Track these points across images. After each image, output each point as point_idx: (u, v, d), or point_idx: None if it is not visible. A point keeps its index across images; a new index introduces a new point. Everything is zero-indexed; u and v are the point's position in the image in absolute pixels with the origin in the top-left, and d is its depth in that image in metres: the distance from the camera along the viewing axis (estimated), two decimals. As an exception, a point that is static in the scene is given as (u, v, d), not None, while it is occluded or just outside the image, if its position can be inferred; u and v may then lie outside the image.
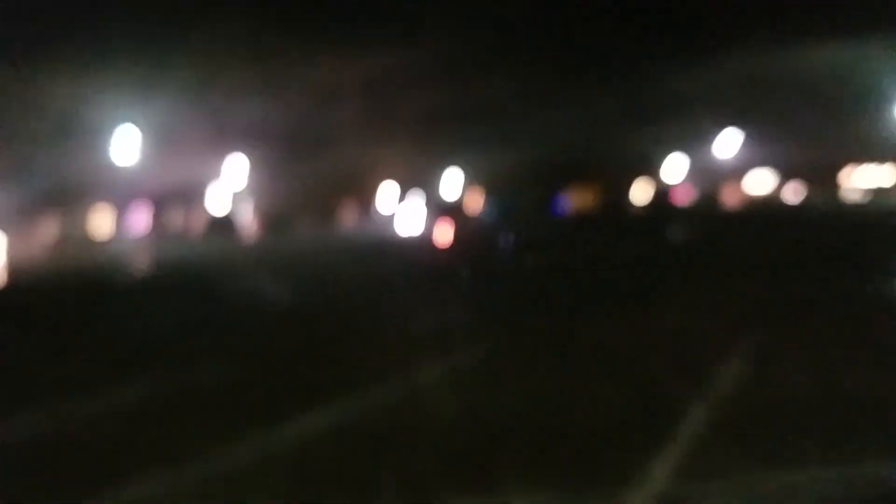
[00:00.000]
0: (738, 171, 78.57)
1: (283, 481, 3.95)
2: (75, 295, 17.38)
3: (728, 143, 77.25)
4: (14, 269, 28.88)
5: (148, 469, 4.12)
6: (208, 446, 4.43)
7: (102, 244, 41.45)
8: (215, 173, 71.65)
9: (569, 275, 14.98)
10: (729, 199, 73.97)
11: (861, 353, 6.35)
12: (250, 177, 76.09)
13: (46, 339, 9.32)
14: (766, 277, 12.15)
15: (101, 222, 58.25)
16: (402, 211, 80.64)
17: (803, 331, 7.41)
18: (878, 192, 60.08)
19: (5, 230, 42.73)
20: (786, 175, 74.43)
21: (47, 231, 54.54)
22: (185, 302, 14.21)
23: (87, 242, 44.72)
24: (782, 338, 7.14)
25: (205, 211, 68.03)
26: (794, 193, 70.59)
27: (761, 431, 4.46)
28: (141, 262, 29.33)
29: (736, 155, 77.98)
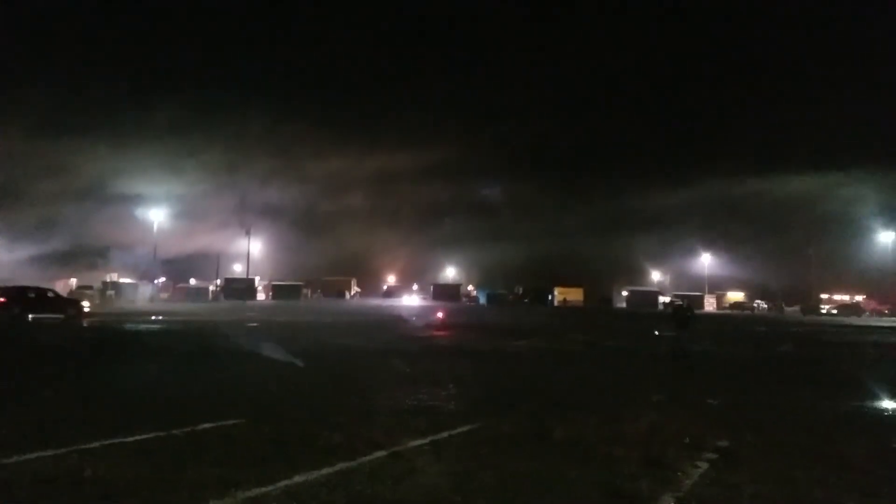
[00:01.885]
0: (713, 285, 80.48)
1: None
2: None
3: (705, 260, 79.64)
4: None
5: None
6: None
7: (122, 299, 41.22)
8: (233, 245, 72.64)
9: (556, 359, 15.01)
10: (707, 305, 75.09)
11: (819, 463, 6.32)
12: (264, 251, 77.09)
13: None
14: (740, 378, 12.16)
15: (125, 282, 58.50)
16: (402, 290, 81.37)
17: (771, 436, 7.38)
18: (843, 308, 61.24)
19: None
20: (757, 294, 76.26)
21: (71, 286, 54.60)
22: (195, 357, 14.17)
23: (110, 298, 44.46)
24: (748, 440, 7.11)
25: (223, 276, 68.34)
26: (766, 306, 71.42)
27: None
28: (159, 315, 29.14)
29: (711, 271, 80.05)
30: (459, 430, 7.19)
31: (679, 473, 5.74)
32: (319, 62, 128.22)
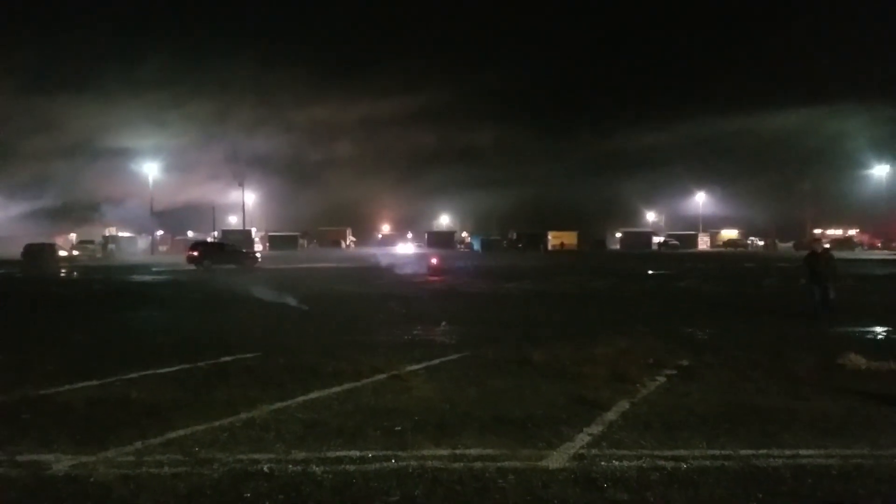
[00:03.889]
0: (708, 224, 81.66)
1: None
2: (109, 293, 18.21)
3: (699, 199, 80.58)
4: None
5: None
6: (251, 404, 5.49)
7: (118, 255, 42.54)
8: (224, 196, 72.97)
9: (542, 299, 16.02)
10: (700, 244, 76.46)
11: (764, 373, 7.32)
12: (257, 202, 77.32)
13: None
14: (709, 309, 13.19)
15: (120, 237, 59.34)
16: (396, 238, 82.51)
17: (725, 355, 8.37)
18: (836, 243, 62.70)
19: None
20: (751, 232, 77.48)
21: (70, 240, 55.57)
22: (219, 303, 15.14)
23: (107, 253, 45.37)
24: (707, 360, 8.09)
25: (219, 228, 69.35)
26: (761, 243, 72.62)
27: (667, 422, 5.42)
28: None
29: (705, 210, 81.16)
30: (450, 357, 8.19)
31: (638, 385, 6.74)
32: (306, 6, 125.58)
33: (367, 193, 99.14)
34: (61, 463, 4.42)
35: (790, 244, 73.45)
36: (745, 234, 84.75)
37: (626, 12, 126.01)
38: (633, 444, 4.85)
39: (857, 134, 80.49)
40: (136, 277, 27.24)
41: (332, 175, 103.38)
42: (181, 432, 5.01)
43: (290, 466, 4.28)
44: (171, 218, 77.16)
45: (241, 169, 75.34)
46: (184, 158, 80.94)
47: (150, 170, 63.96)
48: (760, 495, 3.90)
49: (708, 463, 4.48)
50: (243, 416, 5.45)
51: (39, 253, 40.78)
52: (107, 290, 20.64)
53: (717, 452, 4.69)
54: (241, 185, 71.23)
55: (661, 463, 4.46)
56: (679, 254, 62.59)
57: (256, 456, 4.47)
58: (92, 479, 4.11)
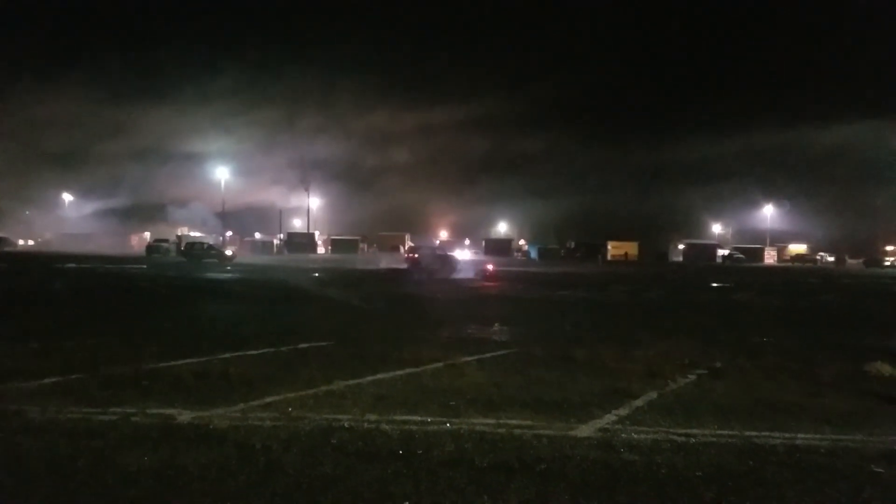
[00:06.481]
0: (775, 238, 79.24)
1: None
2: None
3: (767, 212, 78.03)
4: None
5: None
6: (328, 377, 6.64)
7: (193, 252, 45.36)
8: (285, 199, 75.83)
9: (595, 306, 16.71)
10: (767, 258, 74.31)
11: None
12: (321, 205, 79.97)
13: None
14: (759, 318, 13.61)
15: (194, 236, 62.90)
16: (454, 244, 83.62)
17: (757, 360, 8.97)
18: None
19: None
20: (820, 247, 74.72)
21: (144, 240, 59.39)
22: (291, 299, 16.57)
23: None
24: (740, 363, 8.73)
25: (285, 230, 72.15)
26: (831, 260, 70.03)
27: (687, 410, 6.21)
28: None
29: (774, 224, 78.74)
30: (500, 352, 9.14)
31: (669, 381, 7.49)
32: (369, 21, 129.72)
33: (425, 199, 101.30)
34: (183, 416, 5.59)
35: (860, 261, 70.65)
36: (815, 249, 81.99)
37: (687, 21, 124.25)
38: (652, 424, 5.67)
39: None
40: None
41: (391, 181, 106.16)
42: (275, 398, 6.14)
43: (366, 424, 5.33)
44: (235, 219, 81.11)
45: (307, 174, 78.40)
46: (247, 163, 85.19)
47: (222, 173, 67.49)
48: (751, 462, 4.69)
49: (714, 439, 5.27)
50: (323, 388, 6.56)
51: (199, 250, 45.58)
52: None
53: (724, 433, 5.46)
54: (307, 189, 74.10)
55: (673, 437, 5.28)
56: (743, 267, 61.38)
57: (338, 416, 5.55)
58: (211, 427, 5.26)
